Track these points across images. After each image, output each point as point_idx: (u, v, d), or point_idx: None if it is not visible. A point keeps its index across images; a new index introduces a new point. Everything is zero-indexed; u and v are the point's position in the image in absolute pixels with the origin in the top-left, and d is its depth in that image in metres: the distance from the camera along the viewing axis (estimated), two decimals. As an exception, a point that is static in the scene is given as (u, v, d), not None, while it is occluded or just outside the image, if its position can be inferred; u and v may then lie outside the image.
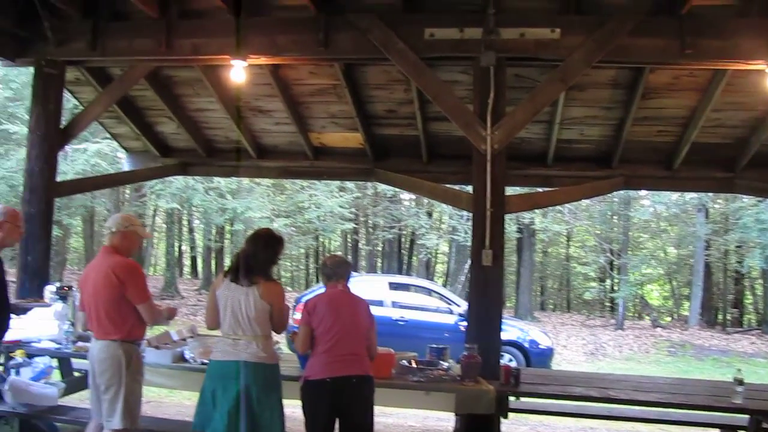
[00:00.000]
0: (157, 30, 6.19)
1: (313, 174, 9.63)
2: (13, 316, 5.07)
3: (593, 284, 28.62)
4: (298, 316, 5.63)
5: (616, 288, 24.03)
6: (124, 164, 9.58)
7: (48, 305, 6.02)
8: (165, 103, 7.99)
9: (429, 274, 27.43)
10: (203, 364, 5.23)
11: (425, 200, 21.75)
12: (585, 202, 19.51)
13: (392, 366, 5.28)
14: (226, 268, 4.68)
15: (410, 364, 5.34)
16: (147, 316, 4.58)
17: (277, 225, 20.21)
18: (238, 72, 6.21)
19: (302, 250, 28.64)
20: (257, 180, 19.18)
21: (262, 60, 6.31)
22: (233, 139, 8.65)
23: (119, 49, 6.42)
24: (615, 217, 24.09)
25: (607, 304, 27.98)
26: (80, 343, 5.70)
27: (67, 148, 14.91)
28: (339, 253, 27.78)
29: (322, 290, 4.83)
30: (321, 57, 6.21)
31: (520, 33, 5.63)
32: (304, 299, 10.10)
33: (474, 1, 5.73)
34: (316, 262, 30.93)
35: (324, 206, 20.33)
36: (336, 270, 4.77)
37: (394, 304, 12.19)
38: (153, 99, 8.02)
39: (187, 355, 5.56)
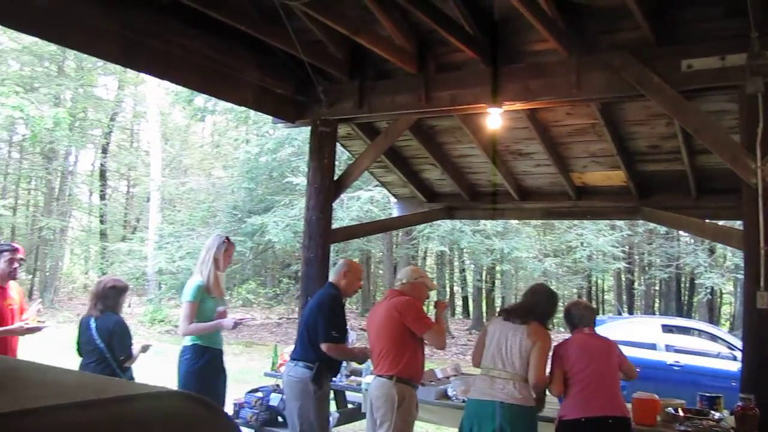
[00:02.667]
0: (417, 85, 6.56)
1: (576, 214, 9.55)
2: None
3: None
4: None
5: None
6: (394, 210, 10.19)
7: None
8: (429, 151, 8.40)
9: (712, 316, 25.46)
10: (463, 401, 5.42)
11: (705, 237, 20.35)
12: None
13: (657, 413, 5.06)
14: (501, 308, 4.87)
15: (677, 412, 5.07)
16: (435, 341, 4.89)
17: (546, 265, 20.06)
18: (494, 119, 6.40)
19: (574, 291, 27.98)
20: (525, 220, 19.27)
21: (517, 106, 6.40)
22: (495, 182, 8.85)
23: (383, 105, 6.88)
24: None
25: None
26: (352, 377, 6.16)
27: (344, 196, 16.15)
28: (582, 299, 26.80)
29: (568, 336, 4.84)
30: (574, 99, 6.13)
31: (792, 54, 5.07)
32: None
33: (734, 26, 5.24)
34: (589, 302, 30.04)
35: (593, 245, 19.85)
36: (582, 318, 4.76)
37: (668, 348, 11.49)
38: (417, 148, 8.47)
39: (450, 392, 5.78)
